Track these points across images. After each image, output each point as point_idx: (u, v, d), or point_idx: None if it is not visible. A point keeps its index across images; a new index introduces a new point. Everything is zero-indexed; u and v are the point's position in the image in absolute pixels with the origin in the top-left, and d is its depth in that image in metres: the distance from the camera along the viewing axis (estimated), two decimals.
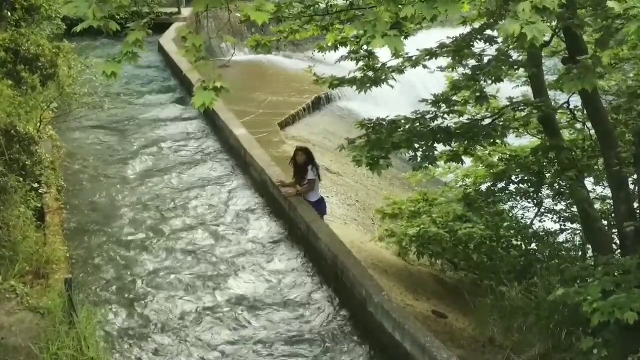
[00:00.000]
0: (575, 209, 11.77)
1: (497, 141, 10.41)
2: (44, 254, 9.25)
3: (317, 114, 19.58)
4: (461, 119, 10.89)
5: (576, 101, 10.90)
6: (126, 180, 13.02)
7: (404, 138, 9.97)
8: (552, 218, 12.84)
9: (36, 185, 10.49)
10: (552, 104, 11.17)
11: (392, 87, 10.50)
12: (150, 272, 10.10)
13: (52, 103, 13.47)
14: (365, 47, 10.22)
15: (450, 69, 10.66)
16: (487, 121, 10.66)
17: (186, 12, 24.44)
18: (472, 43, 10.01)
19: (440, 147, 10.24)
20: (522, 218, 13.13)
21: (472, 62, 10.14)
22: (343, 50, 10.90)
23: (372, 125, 10.54)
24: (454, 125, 10.37)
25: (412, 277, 12.12)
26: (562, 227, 12.76)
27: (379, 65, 10.48)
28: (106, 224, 11.40)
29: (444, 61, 10.58)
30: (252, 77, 21.44)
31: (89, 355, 7.52)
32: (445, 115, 10.50)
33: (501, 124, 10.55)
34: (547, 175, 11.58)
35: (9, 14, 13.26)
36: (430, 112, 10.43)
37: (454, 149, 10.51)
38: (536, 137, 12.63)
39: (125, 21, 6.32)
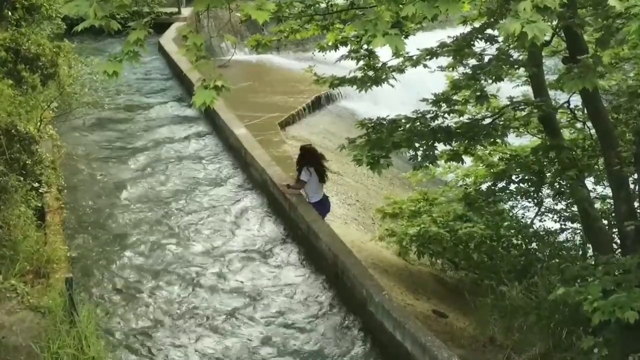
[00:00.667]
0: (575, 208, 11.77)
1: (498, 140, 10.40)
2: (45, 253, 9.24)
3: (317, 114, 19.58)
4: (461, 118, 10.89)
5: (576, 100, 10.91)
6: (126, 179, 13.02)
7: (404, 137, 9.97)
8: (553, 217, 12.85)
9: (36, 184, 10.49)
10: (553, 103, 11.17)
11: (392, 86, 10.50)
12: (150, 272, 10.11)
13: (52, 102, 13.46)
14: (365, 46, 10.22)
15: (451, 68, 10.66)
16: (488, 120, 10.66)
17: (186, 11, 24.43)
18: (472, 42, 10.01)
19: (440, 147, 10.24)
20: (523, 217, 13.13)
21: (472, 62, 10.14)
22: (343, 50, 10.90)
23: (373, 124, 10.54)
24: (454, 125, 10.37)
25: (413, 276, 12.12)
26: (563, 226, 12.77)
27: (380, 65, 10.49)
28: (106, 223, 11.40)
29: (444, 60, 10.58)
30: (252, 77, 21.43)
31: (89, 354, 7.52)
32: (446, 115, 10.49)
33: (501, 123, 10.55)
34: (548, 174, 11.58)
35: (10, 13, 13.25)
36: (431, 112, 10.43)
37: (454, 149, 10.51)
38: (536, 136, 12.63)
39: (125, 21, 6.32)
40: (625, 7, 6.44)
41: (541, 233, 12.56)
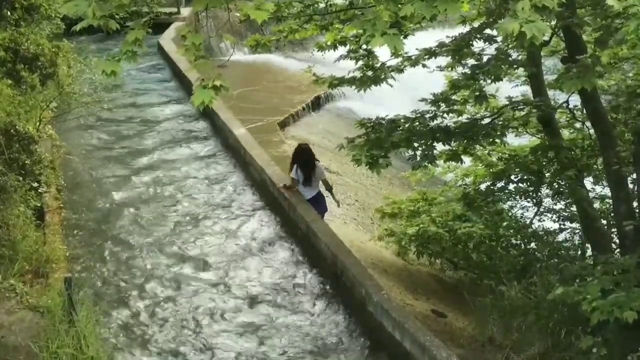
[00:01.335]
0: (574, 208, 11.77)
1: (497, 140, 10.39)
2: (44, 253, 9.25)
3: (316, 114, 19.58)
4: (460, 118, 10.89)
5: (575, 100, 10.90)
6: (126, 178, 13.02)
7: (403, 137, 9.97)
8: (552, 217, 12.85)
9: (36, 184, 10.49)
10: (552, 103, 11.17)
11: (391, 86, 10.50)
12: (150, 271, 10.11)
13: (51, 102, 13.46)
14: (364, 46, 10.22)
15: (450, 68, 10.66)
16: (487, 120, 10.66)
17: (185, 11, 24.44)
18: (471, 42, 10.01)
19: (439, 146, 10.24)
20: (522, 217, 13.12)
21: (471, 61, 10.15)
22: (342, 50, 10.90)
23: (372, 124, 10.54)
24: (453, 125, 10.37)
25: (412, 276, 12.12)
26: (562, 226, 12.76)
27: (379, 65, 10.49)
28: (106, 223, 11.41)
29: (443, 60, 10.58)
30: (252, 77, 21.42)
31: (88, 353, 7.53)
32: (445, 115, 10.50)
33: (500, 123, 10.55)
34: (547, 174, 11.59)
35: (9, 13, 13.24)
36: (430, 111, 10.43)
37: (453, 148, 10.50)
38: (535, 136, 12.62)
39: (124, 21, 6.32)
40: (623, 7, 6.44)
41: (540, 233, 12.56)
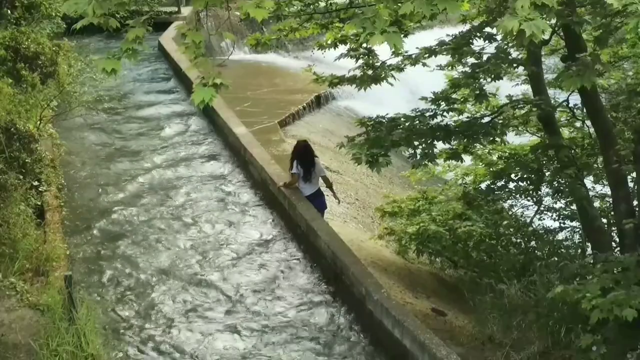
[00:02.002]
0: (574, 206, 11.78)
1: (497, 139, 10.41)
2: (44, 252, 9.26)
3: (316, 113, 19.59)
4: (460, 117, 10.89)
5: (575, 99, 10.91)
6: (126, 177, 13.03)
7: (404, 136, 9.97)
8: (552, 216, 12.86)
9: (36, 183, 10.49)
10: (552, 102, 11.18)
11: (391, 84, 10.51)
12: (150, 269, 10.12)
13: (52, 101, 13.47)
14: (364, 44, 10.22)
15: (450, 67, 10.66)
16: (487, 119, 10.66)
17: (186, 11, 24.45)
18: (471, 41, 10.01)
19: (439, 145, 10.24)
20: (522, 216, 13.14)
21: (471, 60, 10.15)
22: (342, 49, 10.91)
23: (372, 123, 10.54)
24: (453, 123, 10.37)
25: (412, 275, 12.12)
26: (562, 225, 12.78)
27: (379, 63, 10.49)
28: (106, 222, 11.41)
29: (443, 59, 10.58)
30: (251, 76, 21.43)
31: (88, 351, 7.54)
32: (445, 113, 10.50)
33: (500, 122, 10.55)
34: (547, 173, 11.58)
35: (9, 12, 13.26)
36: (430, 110, 10.44)
37: (454, 147, 10.51)
38: (535, 135, 12.64)
39: (124, 20, 6.33)
40: (623, 5, 6.44)
41: (540, 231, 12.57)
